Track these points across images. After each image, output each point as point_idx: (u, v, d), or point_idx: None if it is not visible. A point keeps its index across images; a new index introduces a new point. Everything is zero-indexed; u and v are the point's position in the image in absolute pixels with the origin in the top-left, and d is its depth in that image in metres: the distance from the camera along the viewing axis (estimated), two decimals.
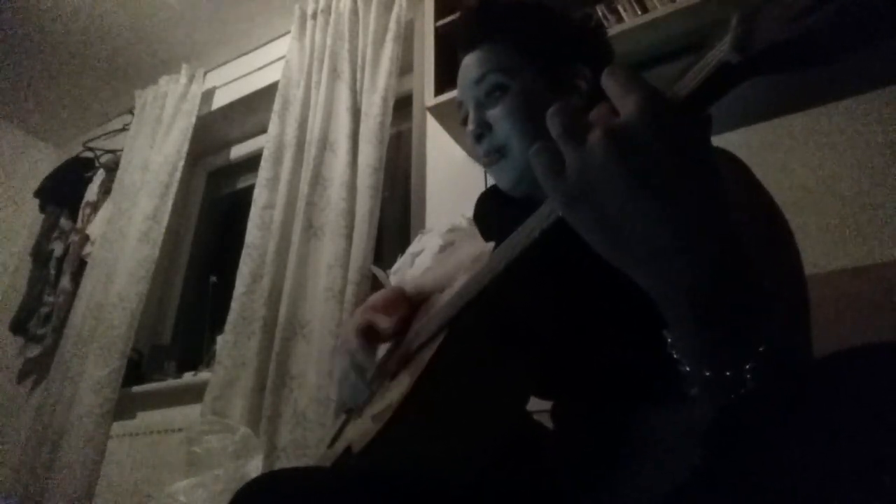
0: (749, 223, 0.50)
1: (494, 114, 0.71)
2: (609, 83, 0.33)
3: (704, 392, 0.34)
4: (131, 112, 2.76)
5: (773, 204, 0.59)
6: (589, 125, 0.33)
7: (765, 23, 0.28)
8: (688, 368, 0.35)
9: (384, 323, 0.74)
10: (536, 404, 0.74)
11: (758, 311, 0.33)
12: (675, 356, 0.36)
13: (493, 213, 0.78)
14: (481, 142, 0.73)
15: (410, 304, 0.82)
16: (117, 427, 2.03)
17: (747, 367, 0.32)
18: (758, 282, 0.34)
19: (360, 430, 0.63)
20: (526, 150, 0.69)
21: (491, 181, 0.80)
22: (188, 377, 2.10)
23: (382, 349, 0.82)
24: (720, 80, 0.31)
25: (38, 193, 2.90)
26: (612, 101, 0.33)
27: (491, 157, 0.73)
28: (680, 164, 0.31)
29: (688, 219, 0.31)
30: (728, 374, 0.32)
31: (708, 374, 0.33)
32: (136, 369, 2.21)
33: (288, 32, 2.34)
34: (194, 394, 1.91)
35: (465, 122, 0.76)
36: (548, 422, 0.76)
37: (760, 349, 0.32)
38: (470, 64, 0.74)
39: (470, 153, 0.77)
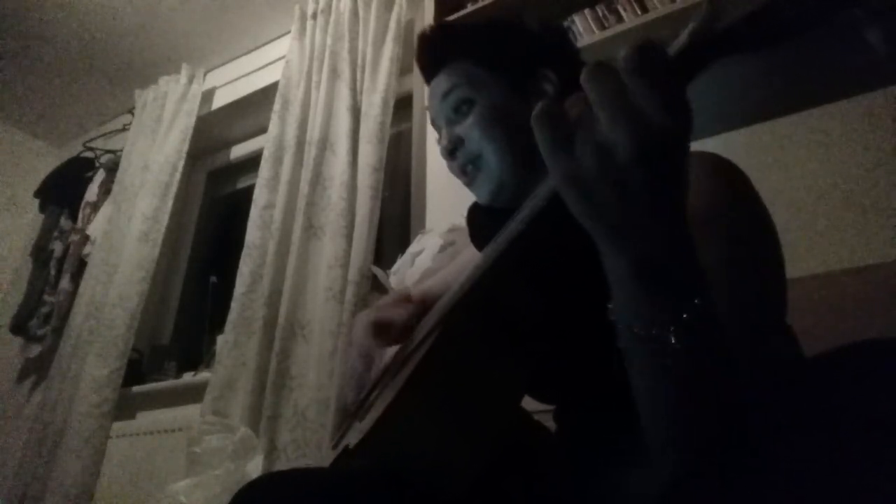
0: (721, 224, 0.52)
1: (464, 126, 0.72)
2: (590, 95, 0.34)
3: (633, 347, 0.40)
4: (131, 112, 2.76)
5: (757, 214, 0.57)
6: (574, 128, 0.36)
7: (732, 2, 0.30)
8: (620, 326, 0.40)
9: (399, 316, 0.73)
10: (537, 404, 0.74)
11: (688, 285, 0.38)
12: (612, 318, 0.41)
13: (482, 222, 0.78)
14: (455, 157, 0.73)
15: (417, 307, 0.81)
16: (117, 427, 2.03)
17: (671, 328, 0.37)
18: (694, 264, 0.38)
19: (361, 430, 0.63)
20: (499, 157, 0.70)
21: None
22: (188, 377, 2.10)
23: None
24: (690, 61, 0.32)
25: (38, 193, 2.90)
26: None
27: (467, 171, 0.73)
28: (653, 180, 0.34)
29: (647, 212, 0.36)
30: (654, 332, 0.37)
31: (636, 330, 0.38)
32: (136, 369, 2.21)
33: (288, 32, 2.34)
34: (194, 394, 1.91)
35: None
36: (548, 422, 0.76)
37: (685, 316, 0.37)
38: (436, 84, 0.76)
39: (452, 170, 0.76)
